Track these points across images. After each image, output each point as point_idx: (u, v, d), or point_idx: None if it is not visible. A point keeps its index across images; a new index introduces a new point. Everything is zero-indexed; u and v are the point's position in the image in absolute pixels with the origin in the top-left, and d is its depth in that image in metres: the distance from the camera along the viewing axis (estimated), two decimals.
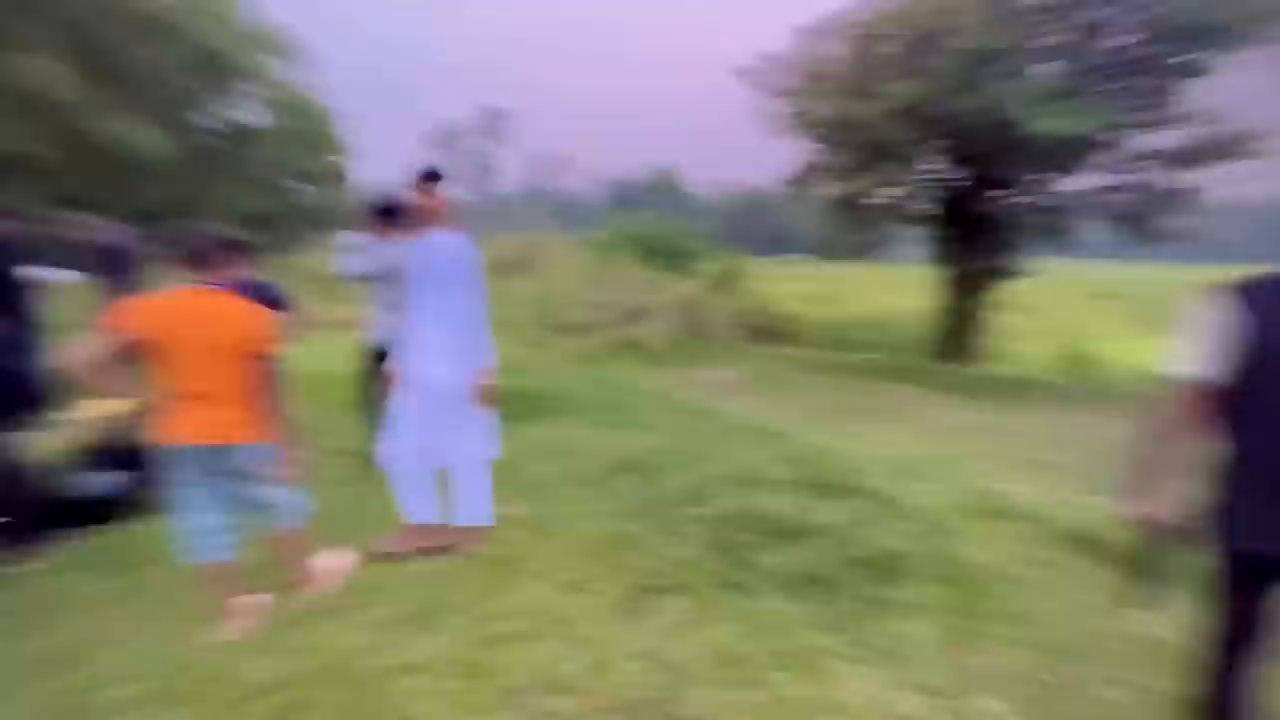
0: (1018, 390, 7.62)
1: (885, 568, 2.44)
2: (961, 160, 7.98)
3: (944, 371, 8.34)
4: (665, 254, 12.41)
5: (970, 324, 9.05)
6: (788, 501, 2.96)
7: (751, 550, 2.57)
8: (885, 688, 1.82)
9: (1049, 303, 17.43)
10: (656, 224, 14.45)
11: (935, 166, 8.13)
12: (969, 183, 8.05)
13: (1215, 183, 7.06)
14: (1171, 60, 6.11)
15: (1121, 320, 17.72)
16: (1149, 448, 1.26)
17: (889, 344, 10.99)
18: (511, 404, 3.82)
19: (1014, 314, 13.53)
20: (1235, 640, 1.26)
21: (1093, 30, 6.59)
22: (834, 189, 7.40)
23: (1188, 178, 7.03)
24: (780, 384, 7.25)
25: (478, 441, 2.56)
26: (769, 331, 10.66)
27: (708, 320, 9.87)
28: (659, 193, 74.59)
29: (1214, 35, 5.88)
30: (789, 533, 2.69)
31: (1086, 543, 2.81)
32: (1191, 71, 6.13)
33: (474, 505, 2.59)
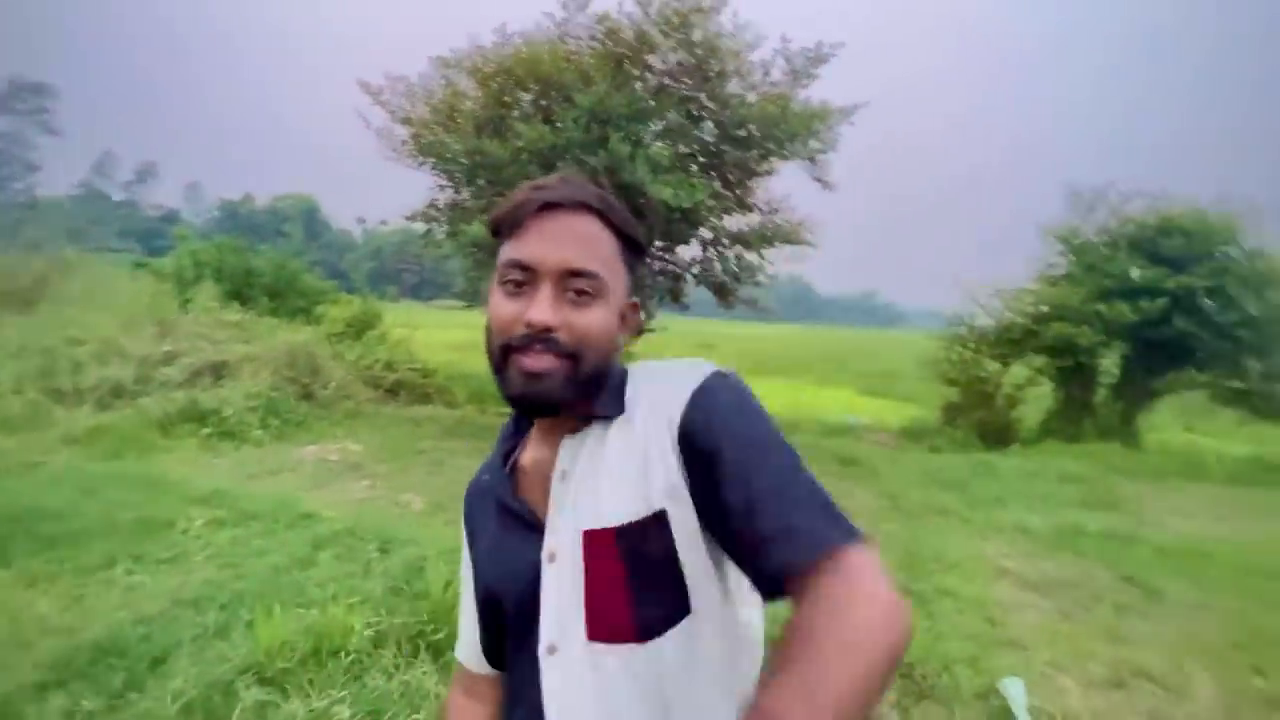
0: None
1: None
2: None
3: None
4: (270, 293, 9.78)
5: None
6: None
7: None
8: None
9: (673, 352, 20.42)
10: (263, 253, 11.47)
11: None
12: None
13: (769, 260, 8.91)
14: (744, 158, 7.36)
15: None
16: None
17: None
18: None
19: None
20: None
21: (693, 119, 7.51)
22: (469, 232, 6.64)
23: (754, 256, 8.57)
24: (409, 458, 5.95)
25: None
26: (409, 389, 9.20)
27: (325, 378, 7.88)
28: (289, 221, 64.12)
29: (762, 144, 7.26)
30: None
31: None
32: (758, 170, 7.54)
33: None
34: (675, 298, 8.99)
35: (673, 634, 0.59)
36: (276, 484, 4.88)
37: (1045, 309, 9.65)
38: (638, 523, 0.60)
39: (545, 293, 0.61)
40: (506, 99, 7.58)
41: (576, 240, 0.62)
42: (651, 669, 0.59)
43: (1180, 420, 12.14)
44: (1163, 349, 9.12)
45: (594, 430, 0.65)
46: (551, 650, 0.61)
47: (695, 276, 8.87)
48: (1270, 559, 4.46)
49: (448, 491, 4.93)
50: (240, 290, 9.59)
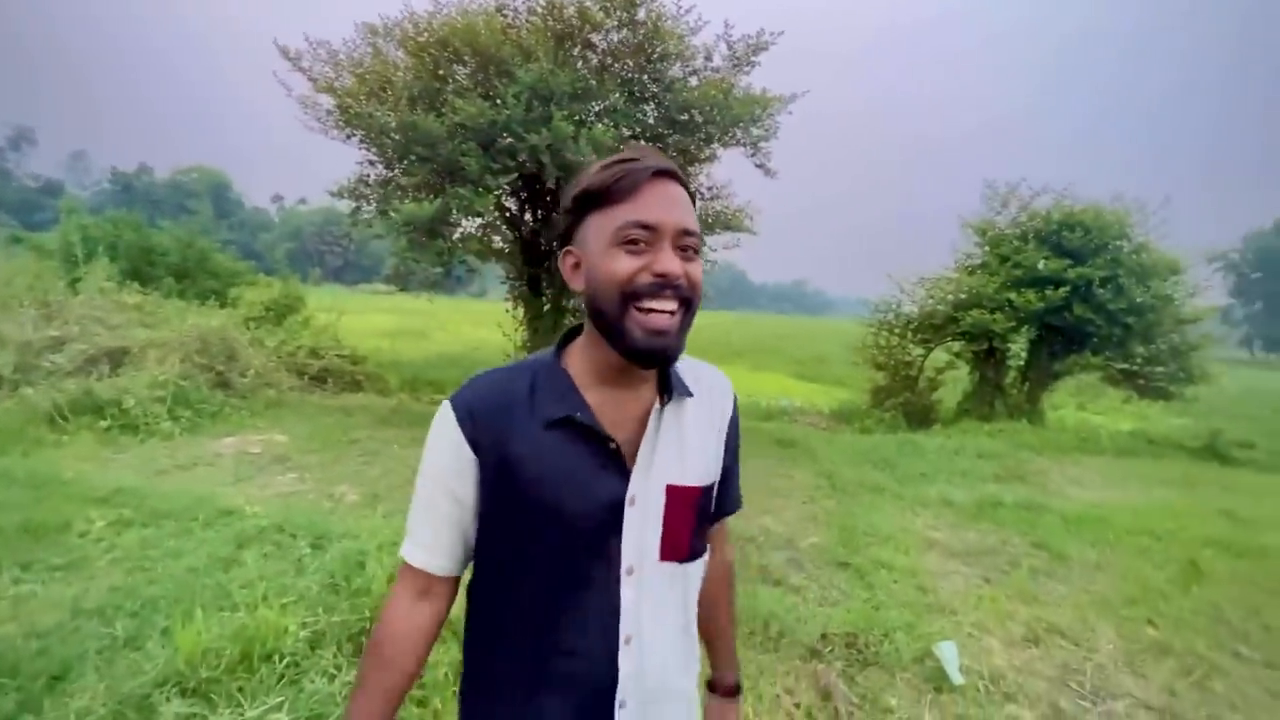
0: None
1: None
2: (534, 199, 8.03)
3: None
4: (177, 273, 8.94)
5: None
6: None
7: None
8: None
9: None
10: (166, 230, 10.45)
11: (510, 203, 7.97)
12: (540, 225, 8.16)
13: (710, 249, 8.98)
14: (686, 143, 7.35)
15: None
16: None
17: None
18: None
19: None
20: None
21: (635, 100, 7.41)
22: (404, 210, 6.29)
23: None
24: (341, 448, 5.64)
25: None
26: (338, 376, 8.70)
27: (243, 366, 7.33)
28: (195, 197, 58.94)
29: (705, 129, 7.28)
30: None
31: None
32: (700, 155, 7.56)
33: None
34: None
35: (698, 561, 0.87)
36: (191, 479, 4.50)
37: (963, 297, 10.24)
38: (709, 485, 0.85)
39: (667, 248, 0.71)
40: (441, 72, 7.21)
41: (684, 205, 0.74)
42: (688, 582, 0.85)
43: (1075, 399, 13.31)
44: (1063, 334, 9.91)
45: (676, 403, 0.82)
46: (630, 571, 0.78)
47: None
48: (1156, 521, 4.96)
49: (384, 483, 4.71)
50: (140, 270, 8.71)
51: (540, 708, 0.78)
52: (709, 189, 7.96)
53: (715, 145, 7.39)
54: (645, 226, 0.70)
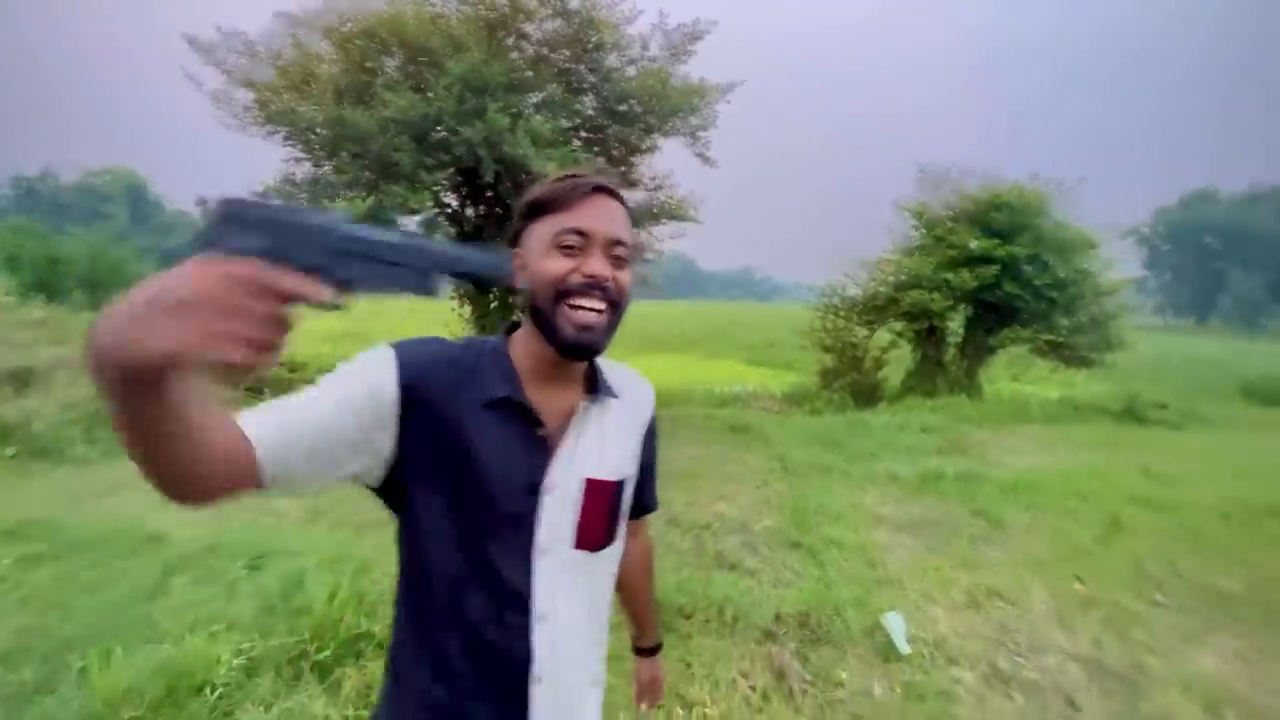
0: None
1: None
2: (475, 195, 7.83)
3: None
4: (88, 284, 8.31)
5: None
6: None
7: None
8: None
9: None
10: (74, 237, 9.68)
11: (450, 199, 7.75)
12: (482, 221, 7.97)
13: (652, 237, 9.00)
14: (626, 134, 7.30)
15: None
16: None
17: None
18: None
19: None
20: None
21: (573, 91, 7.30)
22: (337, 208, 6.03)
23: (644, 234, 8.61)
24: None
25: None
26: (276, 386, 8.29)
27: None
28: (110, 200, 54.97)
29: (644, 119, 7.26)
30: None
31: None
32: (641, 146, 7.53)
33: None
34: None
35: (611, 550, 0.90)
36: (113, 506, 4.20)
37: (903, 278, 10.62)
38: (622, 481, 0.89)
39: (598, 254, 0.79)
40: (370, 64, 6.92)
41: (618, 218, 0.82)
42: (600, 570, 0.90)
43: (1009, 372, 14.04)
44: (995, 310, 10.42)
45: (601, 403, 0.88)
46: (543, 553, 0.82)
47: None
48: (1082, 483, 5.29)
49: (329, 495, 4.52)
50: (45, 281, 8.05)
51: (457, 675, 0.81)
52: (652, 179, 7.95)
53: (655, 135, 7.37)
54: (580, 233, 0.78)
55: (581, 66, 6.99)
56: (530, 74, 6.57)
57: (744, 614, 2.77)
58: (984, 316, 10.65)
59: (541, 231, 0.80)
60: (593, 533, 0.86)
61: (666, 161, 7.61)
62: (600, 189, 0.81)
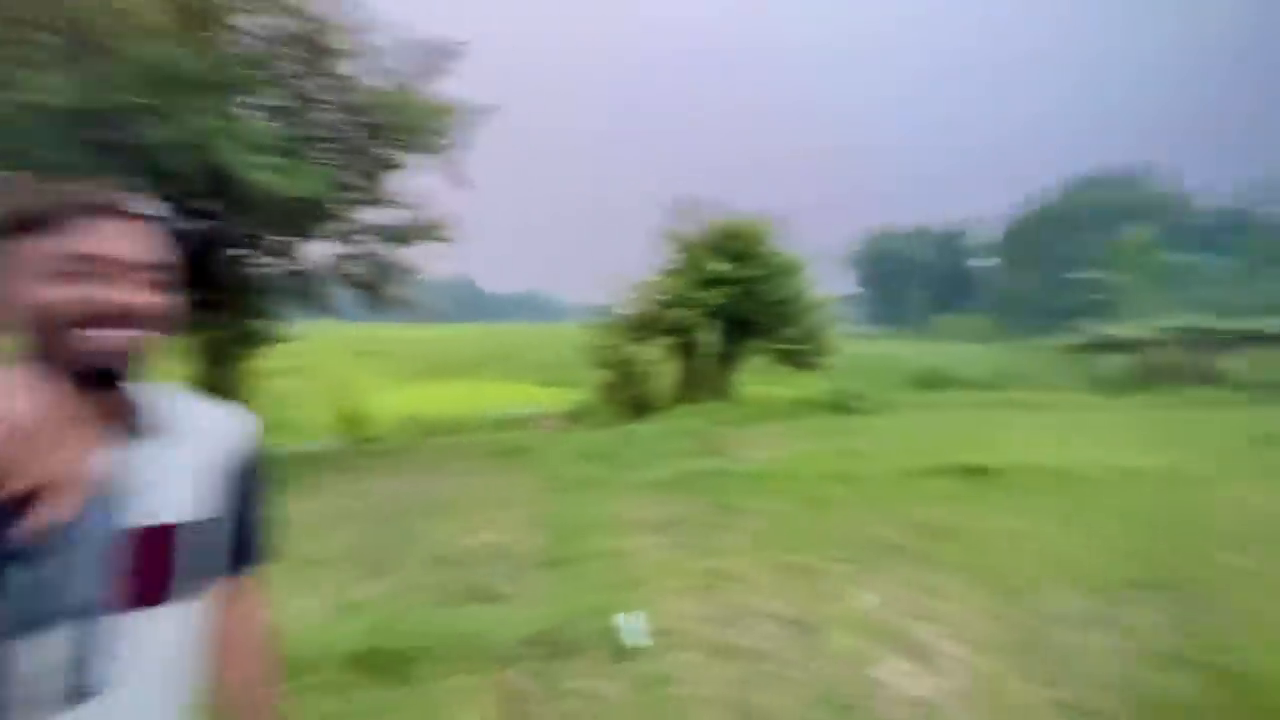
0: (308, 468, 6.92)
1: None
2: (186, 210, 6.57)
3: None
4: None
5: (232, 394, 7.71)
6: None
7: None
8: None
9: (321, 363, 17.95)
10: None
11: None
12: (201, 240, 6.73)
13: (423, 258, 8.57)
14: (373, 149, 6.82)
15: (384, 373, 20.29)
16: None
17: None
18: None
19: (288, 379, 12.95)
20: None
21: (306, 101, 6.60)
22: None
23: (403, 253, 8.13)
24: None
25: None
26: None
27: None
28: None
29: (390, 134, 6.88)
30: None
31: None
32: (391, 162, 7.08)
33: None
34: (311, 299, 7.88)
35: (180, 607, 0.78)
36: None
37: (666, 297, 11.69)
38: (187, 524, 0.78)
39: (122, 281, 0.72)
40: (15, 38, 5.40)
41: (143, 239, 0.75)
42: (172, 631, 0.78)
43: (759, 377, 16.30)
44: (740, 324, 12.06)
45: (144, 441, 0.77)
46: (77, 616, 0.70)
47: (345, 276, 7.94)
48: (799, 466, 6.28)
49: None
50: None
51: None
52: (412, 199, 7.55)
53: (403, 152, 7.01)
54: (95, 259, 0.71)
55: (314, 72, 6.35)
56: (244, 72, 5.75)
57: (487, 645, 2.70)
58: (732, 330, 12.20)
59: (30, 254, 0.71)
60: (149, 587, 0.74)
61: (435, 181, 7.31)
62: (108, 208, 0.74)
